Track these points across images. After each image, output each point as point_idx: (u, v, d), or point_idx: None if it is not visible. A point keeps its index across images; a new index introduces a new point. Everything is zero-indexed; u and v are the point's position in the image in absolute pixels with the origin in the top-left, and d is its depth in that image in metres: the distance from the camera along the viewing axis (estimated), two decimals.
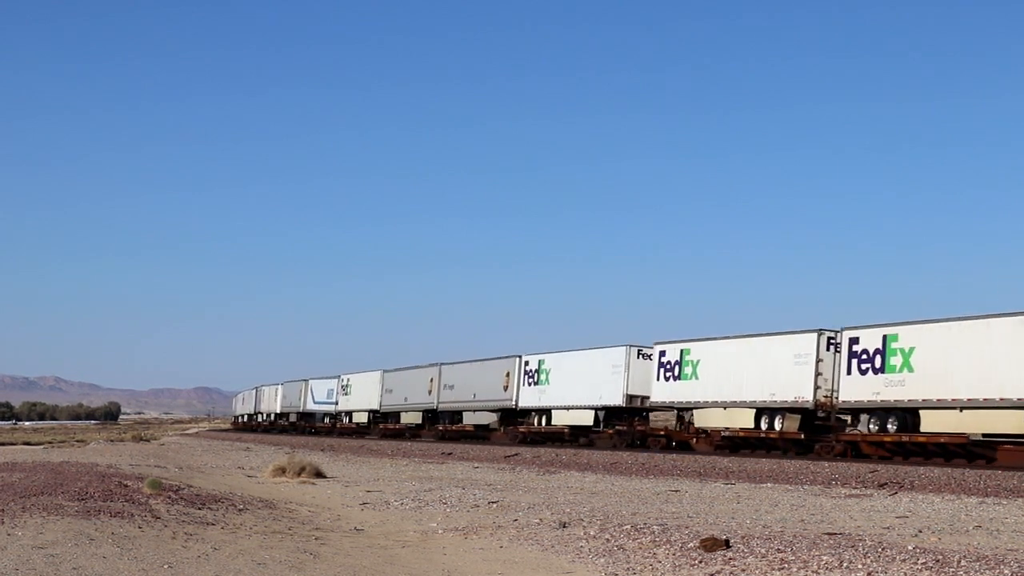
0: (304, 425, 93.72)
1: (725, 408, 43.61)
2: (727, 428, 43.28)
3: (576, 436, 53.74)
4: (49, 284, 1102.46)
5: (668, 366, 47.33)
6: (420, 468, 38.33)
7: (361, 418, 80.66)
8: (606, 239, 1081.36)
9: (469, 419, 64.18)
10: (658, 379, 47.69)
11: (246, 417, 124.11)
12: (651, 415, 49.44)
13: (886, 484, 26.82)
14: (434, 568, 14.69)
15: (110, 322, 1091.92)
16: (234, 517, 19.18)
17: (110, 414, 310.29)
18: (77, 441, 77.72)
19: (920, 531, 16.71)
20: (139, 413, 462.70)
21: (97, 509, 17.79)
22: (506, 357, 60.26)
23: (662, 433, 47.45)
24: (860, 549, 14.24)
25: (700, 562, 14.31)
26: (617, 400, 50.43)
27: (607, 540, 16.51)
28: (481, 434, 62.46)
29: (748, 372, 42.60)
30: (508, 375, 59.58)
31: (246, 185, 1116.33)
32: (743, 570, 13.61)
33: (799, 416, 40.48)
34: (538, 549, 16.26)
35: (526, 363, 58.56)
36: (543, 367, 57.03)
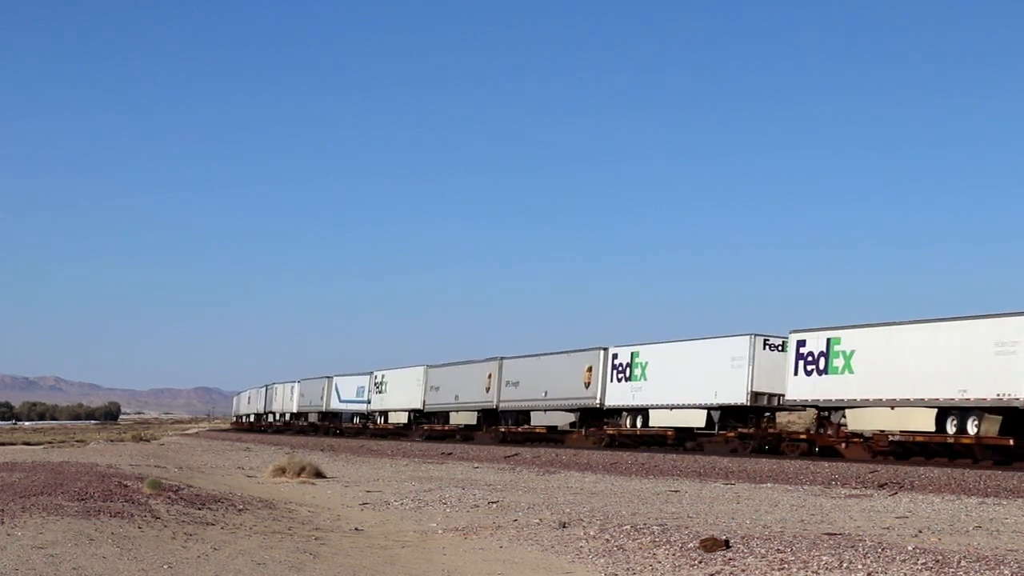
0: (328, 426, 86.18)
1: (893, 408, 36.66)
2: (897, 431, 36.38)
3: (682, 440, 46.37)
4: (49, 284, 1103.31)
5: (810, 358, 40.10)
6: (420, 468, 38.34)
7: (400, 418, 73.62)
8: (606, 239, 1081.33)
9: (539, 419, 57.45)
10: (795, 373, 40.48)
11: (253, 417, 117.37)
12: (777, 415, 44.76)
13: (886, 484, 26.82)
14: (434, 568, 14.69)
15: (110, 322, 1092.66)
16: (234, 517, 19.18)
17: (110, 414, 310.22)
18: (77, 441, 77.73)
19: (920, 531, 16.71)
20: (139, 413, 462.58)
21: (97, 509, 17.80)
22: (588, 349, 53.00)
23: (803, 437, 41.29)
24: (860, 549, 14.24)
25: (700, 562, 14.31)
26: (739, 398, 43.19)
27: (607, 540, 16.51)
28: (554, 436, 55.54)
29: (929, 364, 35.51)
30: (590, 370, 52.28)
31: (246, 185, 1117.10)
32: (743, 570, 13.61)
33: (1000, 417, 33.68)
34: (538, 549, 16.27)
35: (614, 356, 51.15)
36: (637, 360, 49.86)
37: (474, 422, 63.87)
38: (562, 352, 55.72)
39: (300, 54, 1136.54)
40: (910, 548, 14.31)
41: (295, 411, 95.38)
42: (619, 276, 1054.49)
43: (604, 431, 50.63)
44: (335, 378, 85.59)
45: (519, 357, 60.55)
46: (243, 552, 14.89)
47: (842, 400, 38.56)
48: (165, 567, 13.26)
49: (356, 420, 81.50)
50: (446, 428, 66.80)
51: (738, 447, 42.70)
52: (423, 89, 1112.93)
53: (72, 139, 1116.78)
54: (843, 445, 39.22)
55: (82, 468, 30.74)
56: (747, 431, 43.21)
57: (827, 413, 40.02)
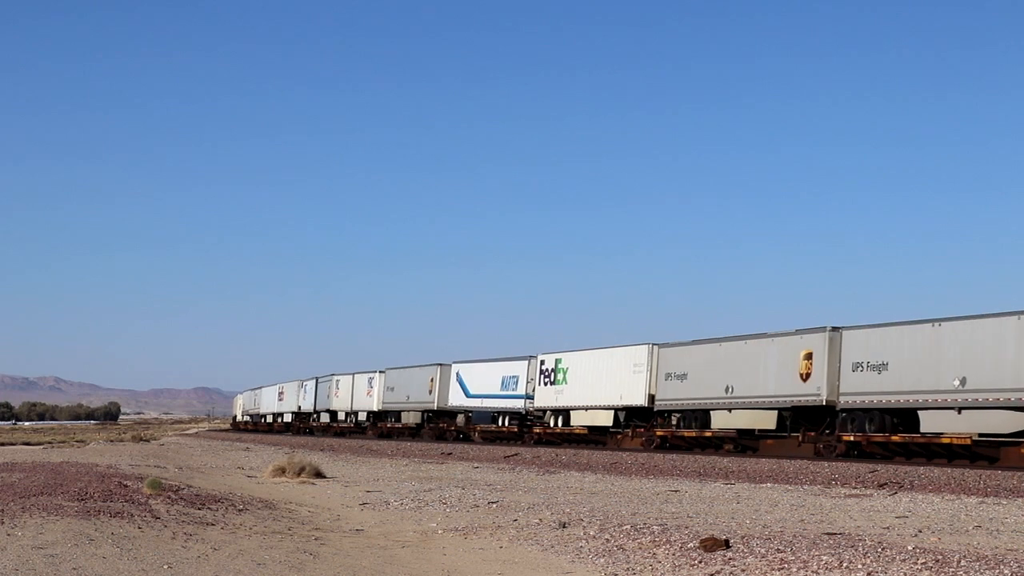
0: (445, 428, 67.76)
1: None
2: None
3: (594, 438, 51.50)
4: (49, 284, 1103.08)
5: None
6: (420, 468, 38.34)
7: (598, 419, 58.07)
8: (605, 238, 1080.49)
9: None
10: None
11: (290, 417, 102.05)
12: None
13: (886, 484, 26.82)
14: (434, 568, 14.69)
15: (110, 322, 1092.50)
16: (234, 517, 19.19)
17: (110, 414, 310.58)
18: (77, 441, 77.77)
19: (920, 531, 16.71)
20: (139, 413, 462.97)
21: (97, 509, 17.80)
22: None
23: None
24: (860, 549, 14.24)
25: (700, 562, 14.31)
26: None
27: (607, 540, 16.51)
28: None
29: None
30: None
31: (246, 185, 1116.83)
32: (743, 570, 13.61)
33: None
34: (538, 549, 16.27)
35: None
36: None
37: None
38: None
39: (300, 54, 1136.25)
40: (910, 548, 14.31)
41: (377, 408, 77.22)
42: (619, 275, 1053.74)
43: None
44: (456, 365, 67.72)
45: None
46: (243, 552, 14.90)
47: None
48: (165, 567, 13.27)
49: (504, 422, 61.58)
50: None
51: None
52: (423, 89, 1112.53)
53: (72, 139, 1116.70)
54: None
55: (82, 468, 30.75)
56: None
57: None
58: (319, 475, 32.32)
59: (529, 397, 58.36)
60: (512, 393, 60.44)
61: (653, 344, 49.80)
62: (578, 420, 54.16)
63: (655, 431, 48.54)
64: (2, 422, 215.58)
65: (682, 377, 47.35)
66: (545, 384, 56.71)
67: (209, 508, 20.13)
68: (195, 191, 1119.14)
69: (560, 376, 55.68)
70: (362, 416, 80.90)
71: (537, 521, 19.21)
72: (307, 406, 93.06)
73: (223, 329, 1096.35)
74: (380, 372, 76.82)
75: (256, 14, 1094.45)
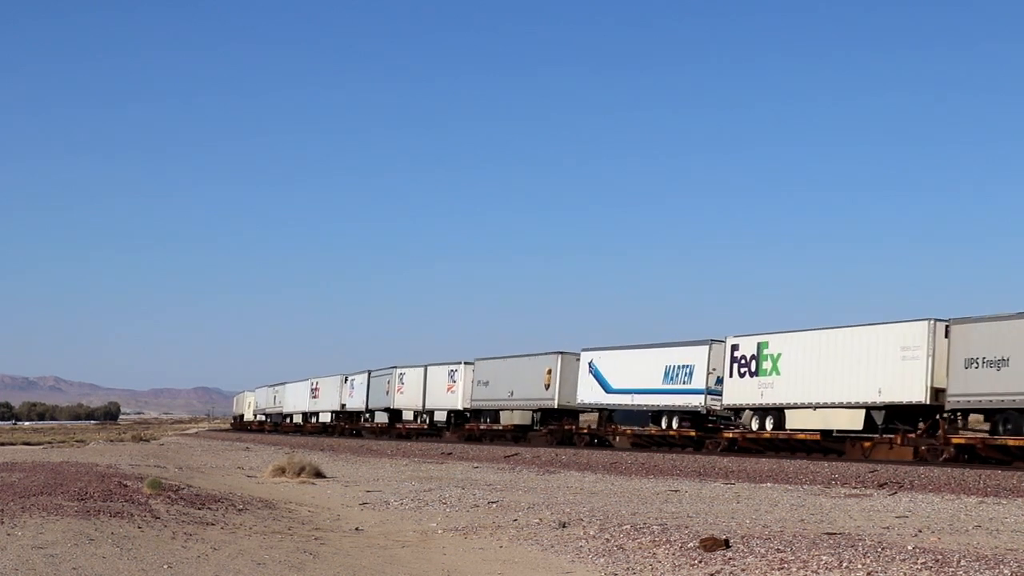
0: (571, 430, 55.79)
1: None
2: None
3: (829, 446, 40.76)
4: (49, 284, 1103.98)
5: None
6: (420, 468, 38.35)
7: (847, 421, 43.94)
8: (607, 237, 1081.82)
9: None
10: None
11: (299, 417, 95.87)
12: None
13: (886, 484, 26.83)
14: (434, 568, 14.69)
15: (110, 322, 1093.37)
16: (234, 517, 19.19)
17: (110, 414, 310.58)
18: (77, 441, 77.78)
19: (920, 531, 16.72)
20: (139, 413, 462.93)
21: (97, 509, 17.81)
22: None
23: None
24: (860, 549, 14.25)
25: (700, 562, 14.31)
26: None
27: (607, 540, 16.52)
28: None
29: None
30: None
31: (245, 185, 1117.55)
32: (743, 570, 13.61)
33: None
34: (538, 549, 16.27)
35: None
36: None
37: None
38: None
39: (299, 53, 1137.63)
40: (910, 547, 14.32)
41: (462, 406, 64.88)
42: (624, 274, 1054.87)
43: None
44: (588, 353, 53.76)
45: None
46: (243, 552, 14.90)
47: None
48: (165, 567, 13.27)
49: (670, 423, 47.95)
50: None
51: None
52: (424, 87, 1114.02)
53: (71, 138, 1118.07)
54: None
55: (82, 468, 30.77)
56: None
57: None
58: (319, 475, 32.33)
59: (712, 392, 45.65)
60: (683, 387, 47.09)
61: (935, 320, 37.34)
62: (799, 421, 41.72)
63: (949, 438, 35.76)
64: (2, 422, 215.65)
65: (999, 363, 35.08)
66: (740, 375, 44.17)
67: (209, 508, 20.14)
68: (195, 191, 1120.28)
69: (766, 365, 43.11)
70: (439, 416, 68.13)
71: (537, 521, 19.21)
72: (355, 404, 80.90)
73: (223, 329, 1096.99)
74: (466, 363, 64.17)
75: (255, 14, 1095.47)
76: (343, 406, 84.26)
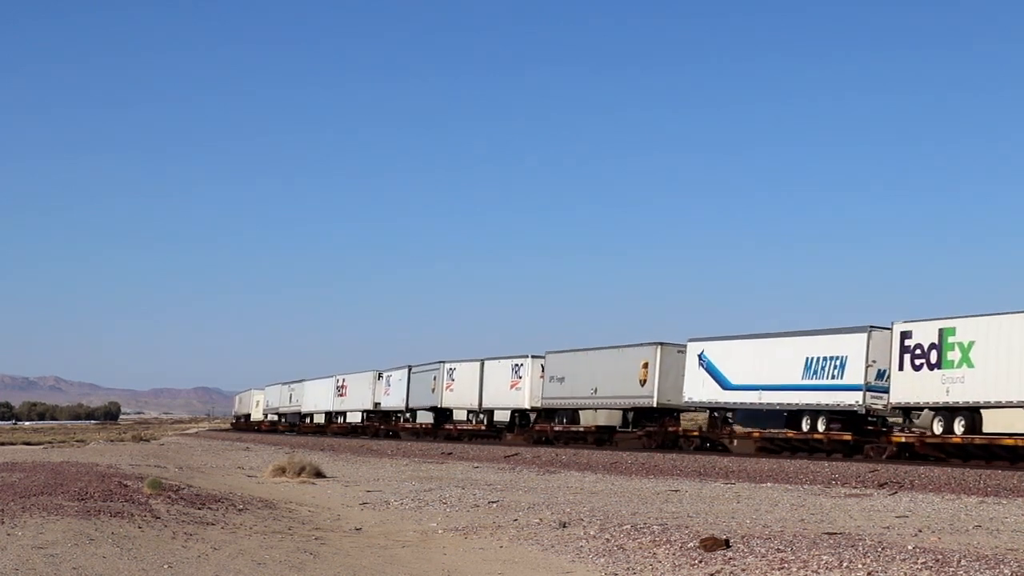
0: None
1: None
2: None
3: None
4: (49, 284, 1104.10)
5: None
6: (420, 468, 38.36)
7: None
8: (606, 237, 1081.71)
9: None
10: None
11: (321, 417, 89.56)
12: None
13: (886, 484, 26.83)
14: (434, 568, 14.70)
15: (110, 322, 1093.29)
16: (234, 517, 19.20)
17: (110, 414, 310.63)
18: (77, 441, 77.82)
19: (920, 531, 16.72)
20: (139, 413, 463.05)
21: (97, 509, 17.81)
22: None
23: None
24: (860, 549, 14.25)
25: (700, 562, 14.31)
26: None
27: (607, 540, 16.52)
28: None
29: None
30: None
31: (245, 185, 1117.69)
32: (743, 570, 13.61)
33: None
34: (538, 549, 16.28)
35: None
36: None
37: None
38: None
39: (297, 53, 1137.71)
40: (910, 547, 14.32)
41: (530, 405, 57.29)
42: (623, 274, 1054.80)
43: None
44: (698, 344, 45.84)
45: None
46: (243, 552, 14.90)
47: None
48: (165, 567, 13.28)
49: (814, 425, 40.67)
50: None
51: None
52: (422, 87, 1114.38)
53: (71, 138, 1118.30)
54: None
55: (82, 468, 30.78)
56: None
57: None
58: (319, 475, 32.34)
59: (873, 388, 38.38)
60: (832, 383, 39.67)
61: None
62: (1003, 424, 34.51)
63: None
64: (2, 422, 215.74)
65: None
66: (915, 368, 36.91)
67: (209, 508, 20.15)
68: (195, 191, 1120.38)
69: (953, 355, 35.69)
70: (500, 416, 60.68)
71: (537, 521, 19.21)
72: (392, 403, 73.72)
73: (223, 329, 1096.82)
74: (534, 357, 57.10)
75: (255, 14, 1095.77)
76: (376, 405, 77.36)
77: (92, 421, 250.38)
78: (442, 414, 66.35)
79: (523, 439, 56.12)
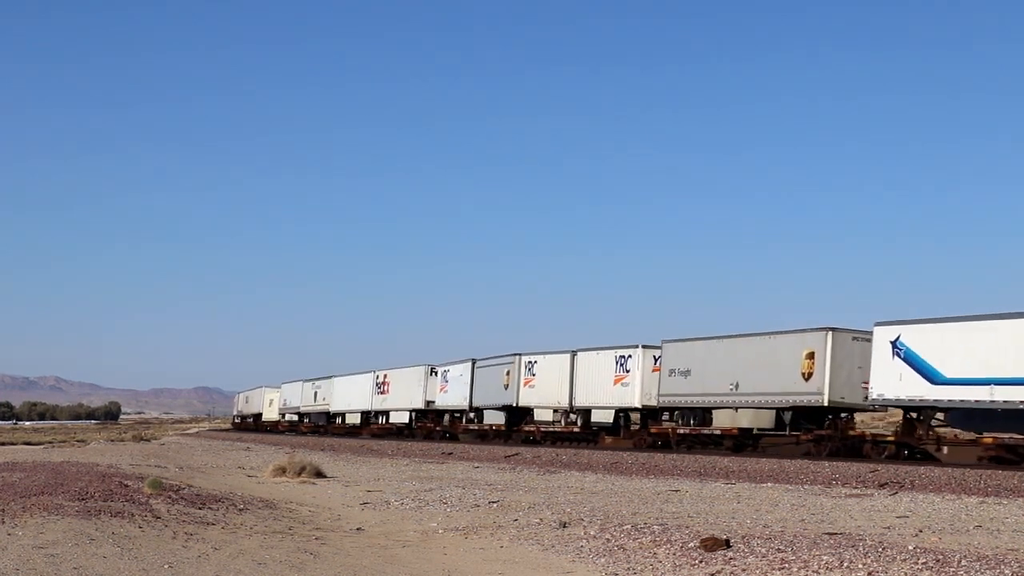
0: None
1: None
2: None
3: None
4: (49, 284, 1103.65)
5: None
6: (420, 468, 38.34)
7: None
8: (605, 236, 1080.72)
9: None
10: None
11: (356, 417, 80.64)
12: None
13: (887, 484, 26.81)
14: (434, 568, 14.69)
15: (110, 322, 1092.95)
16: (234, 517, 19.20)
17: (110, 414, 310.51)
18: (77, 441, 77.80)
19: (921, 531, 16.71)
20: (139, 413, 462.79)
21: (97, 509, 17.81)
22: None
23: None
24: (860, 549, 14.24)
25: (700, 562, 14.31)
26: None
27: (607, 540, 16.51)
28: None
29: None
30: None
31: (245, 185, 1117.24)
32: (743, 570, 13.61)
33: None
34: (538, 549, 16.27)
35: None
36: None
37: None
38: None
39: (297, 53, 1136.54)
40: (911, 547, 14.31)
41: (641, 403, 48.72)
42: (627, 273, 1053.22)
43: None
44: (894, 328, 37.02)
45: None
46: (244, 552, 14.90)
47: None
48: (166, 567, 13.28)
49: None
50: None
51: None
52: (425, 86, 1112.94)
53: (71, 138, 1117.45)
54: None
55: (83, 468, 30.78)
56: None
57: None
58: (320, 475, 32.34)
59: None
60: None
61: None
62: None
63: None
64: (3, 422, 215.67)
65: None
66: None
67: (210, 508, 20.14)
68: (195, 190, 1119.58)
69: None
70: (600, 416, 52.23)
71: (538, 521, 19.21)
72: (450, 401, 65.92)
73: (223, 329, 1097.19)
74: (645, 347, 48.56)
75: (256, 14, 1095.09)
76: (429, 403, 68.98)
77: (92, 421, 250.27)
78: (516, 413, 57.62)
79: (632, 443, 48.50)
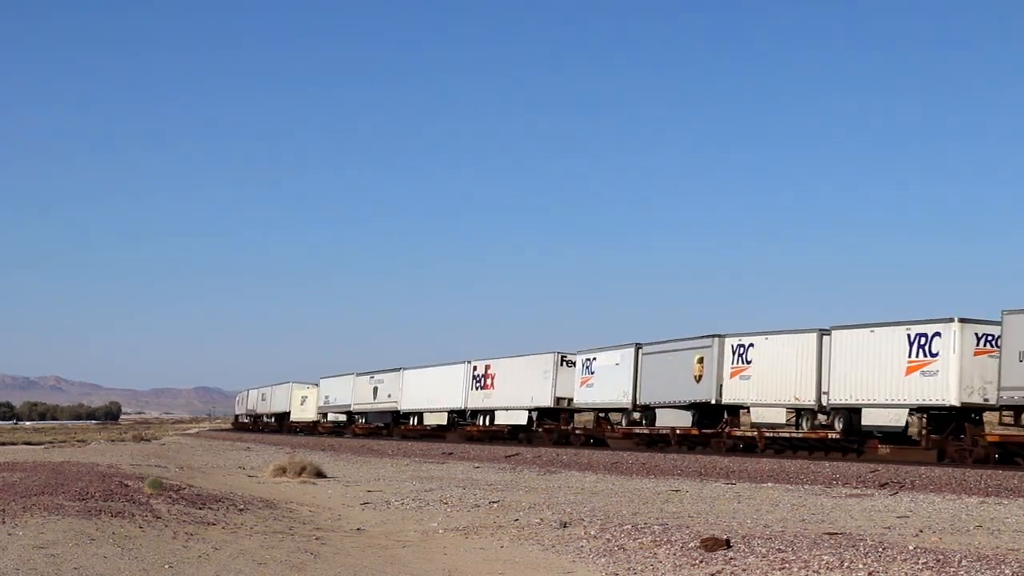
0: None
1: None
2: None
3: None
4: (49, 284, 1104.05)
5: None
6: (421, 468, 38.35)
7: None
8: (604, 236, 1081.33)
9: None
10: None
11: (450, 417, 67.20)
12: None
13: (887, 484, 26.82)
14: (435, 568, 14.70)
15: (110, 322, 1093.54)
16: (235, 517, 19.20)
17: (111, 414, 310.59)
18: (78, 441, 77.76)
19: (921, 531, 16.71)
20: (140, 413, 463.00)
21: (98, 509, 17.81)
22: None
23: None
24: (861, 549, 14.25)
25: (701, 562, 14.31)
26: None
27: (608, 540, 16.52)
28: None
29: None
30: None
31: (247, 185, 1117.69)
32: (744, 570, 13.61)
33: None
34: (539, 549, 16.28)
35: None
36: None
37: None
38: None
39: (297, 53, 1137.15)
40: (911, 548, 14.32)
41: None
42: (622, 274, 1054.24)
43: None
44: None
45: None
46: (244, 552, 14.90)
47: None
48: (166, 567, 13.28)
49: None
50: None
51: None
52: (423, 86, 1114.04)
53: (71, 138, 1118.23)
54: None
55: (83, 468, 30.78)
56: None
57: None
58: (320, 475, 32.34)
59: None
60: None
61: None
62: None
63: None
64: (3, 422, 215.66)
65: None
66: None
67: (210, 508, 20.14)
68: (196, 190, 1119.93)
69: None
70: (876, 417, 38.66)
71: (538, 521, 19.21)
72: (599, 398, 53.59)
73: (223, 329, 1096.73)
74: (961, 321, 35.33)
75: (255, 14, 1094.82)
76: (560, 401, 57.37)
77: (93, 421, 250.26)
78: (713, 413, 45.61)
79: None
